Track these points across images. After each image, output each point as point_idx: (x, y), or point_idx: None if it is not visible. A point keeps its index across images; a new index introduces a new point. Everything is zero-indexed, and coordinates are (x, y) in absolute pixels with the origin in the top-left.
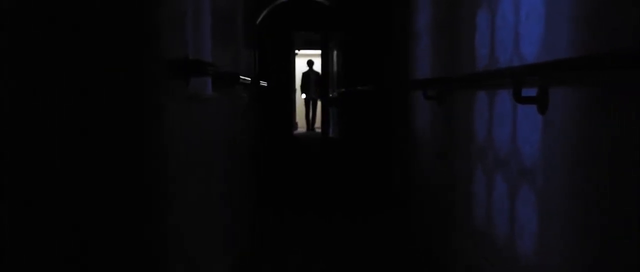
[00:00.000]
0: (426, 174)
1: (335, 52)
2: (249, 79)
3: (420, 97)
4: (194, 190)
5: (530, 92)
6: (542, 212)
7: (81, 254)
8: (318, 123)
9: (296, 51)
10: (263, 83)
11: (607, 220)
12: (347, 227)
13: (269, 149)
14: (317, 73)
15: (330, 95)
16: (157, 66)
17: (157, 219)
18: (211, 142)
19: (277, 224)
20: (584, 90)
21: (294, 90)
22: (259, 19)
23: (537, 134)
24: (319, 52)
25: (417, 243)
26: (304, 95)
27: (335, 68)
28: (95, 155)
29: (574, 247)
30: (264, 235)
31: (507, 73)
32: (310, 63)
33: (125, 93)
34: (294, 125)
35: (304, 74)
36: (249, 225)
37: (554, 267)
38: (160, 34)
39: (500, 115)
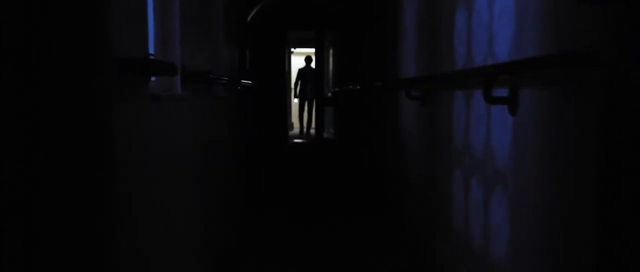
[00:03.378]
0: (411, 176)
1: (330, 51)
2: (227, 78)
3: (405, 97)
4: (157, 193)
5: (503, 92)
6: (514, 215)
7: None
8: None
9: (292, 49)
10: (246, 82)
11: (570, 221)
12: (336, 231)
13: (261, 151)
14: (314, 71)
15: (328, 94)
16: (104, 65)
17: (109, 231)
18: (179, 144)
19: (265, 225)
20: (547, 91)
21: (289, 90)
22: (250, 16)
23: (508, 136)
24: (313, 50)
25: (404, 246)
26: (296, 99)
27: (330, 67)
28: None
29: (545, 248)
30: (251, 237)
31: (478, 72)
32: (308, 60)
33: (60, 93)
34: (290, 125)
35: (300, 71)
36: (231, 229)
37: (526, 267)
38: (109, 31)
39: (476, 116)
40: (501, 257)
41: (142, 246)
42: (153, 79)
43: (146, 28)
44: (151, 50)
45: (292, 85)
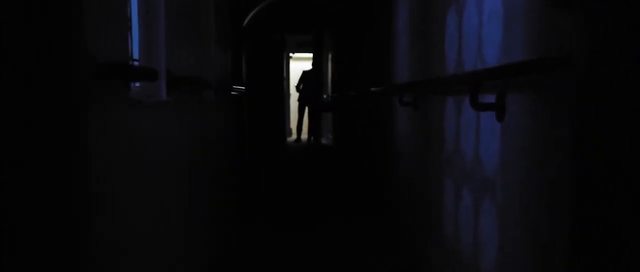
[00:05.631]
0: (407, 182)
1: (329, 55)
2: (219, 83)
3: (397, 103)
4: (138, 202)
5: (492, 98)
6: (503, 222)
7: None
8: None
9: (291, 54)
10: (239, 87)
11: (552, 226)
12: (336, 232)
13: (257, 158)
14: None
15: (327, 100)
16: (80, 70)
17: (83, 243)
18: (163, 151)
19: (264, 228)
20: (529, 97)
21: (286, 96)
22: (247, 20)
23: (496, 144)
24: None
25: (402, 252)
26: (297, 92)
27: (329, 72)
28: None
29: (532, 257)
30: (249, 240)
31: (463, 78)
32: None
33: (31, 99)
34: (288, 131)
35: (305, 73)
36: (225, 236)
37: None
38: (85, 36)
39: (466, 122)
40: (491, 265)
41: (119, 256)
42: (137, 85)
43: (127, 32)
44: (135, 55)
45: (293, 88)
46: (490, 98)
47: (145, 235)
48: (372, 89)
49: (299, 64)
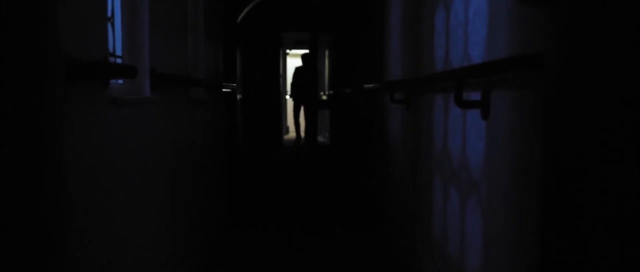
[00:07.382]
0: (397, 184)
1: (326, 52)
2: (209, 81)
3: (389, 101)
4: (118, 202)
5: (477, 96)
6: (489, 223)
7: None
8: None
9: (288, 51)
10: (232, 84)
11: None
12: (331, 240)
13: (251, 157)
14: (314, 71)
15: (323, 97)
16: (55, 68)
17: (59, 250)
18: (145, 149)
19: (253, 235)
20: (508, 94)
21: (283, 93)
22: (241, 17)
23: (482, 143)
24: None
25: (394, 257)
26: (289, 97)
27: (326, 69)
28: None
29: (516, 259)
30: (237, 248)
31: (448, 76)
32: (305, 58)
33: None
34: (285, 129)
35: (297, 70)
36: (213, 240)
37: None
38: (61, 33)
39: (453, 122)
40: (476, 268)
41: (99, 262)
42: (120, 82)
43: (105, 29)
44: (119, 52)
45: (289, 86)
46: (477, 96)
47: (128, 237)
48: (365, 86)
49: (297, 61)
